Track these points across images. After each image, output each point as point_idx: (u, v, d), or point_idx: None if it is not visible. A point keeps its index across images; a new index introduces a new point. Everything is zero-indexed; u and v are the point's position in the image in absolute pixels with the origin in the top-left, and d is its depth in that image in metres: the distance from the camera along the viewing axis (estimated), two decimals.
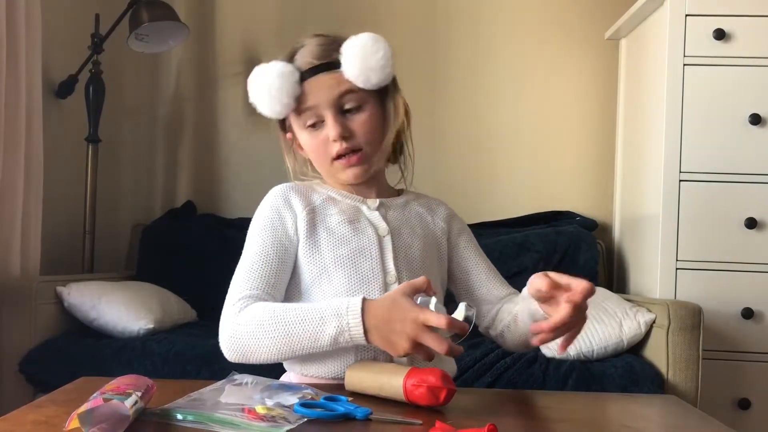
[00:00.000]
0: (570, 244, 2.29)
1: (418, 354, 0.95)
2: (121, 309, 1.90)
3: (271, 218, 1.14)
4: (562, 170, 2.57)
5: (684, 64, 1.98)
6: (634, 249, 2.28)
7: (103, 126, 2.44)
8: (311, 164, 1.22)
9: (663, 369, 1.70)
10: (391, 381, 0.94)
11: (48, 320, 1.91)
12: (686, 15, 1.98)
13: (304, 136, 1.16)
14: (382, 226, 1.16)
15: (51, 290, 1.93)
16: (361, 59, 1.10)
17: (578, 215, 2.49)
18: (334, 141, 1.12)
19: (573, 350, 1.72)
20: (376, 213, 1.18)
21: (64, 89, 2.34)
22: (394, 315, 0.95)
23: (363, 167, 1.15)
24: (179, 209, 2.60)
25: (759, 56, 1.96)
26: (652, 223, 2.07)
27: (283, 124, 1.21)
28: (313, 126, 1.14)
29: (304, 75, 1.12)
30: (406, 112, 1.21)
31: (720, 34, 1.96)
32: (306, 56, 1.13)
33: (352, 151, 1.13)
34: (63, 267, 2.32)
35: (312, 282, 1.12)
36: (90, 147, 2.41)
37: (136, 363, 1.77)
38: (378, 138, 1.16)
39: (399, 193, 1.26)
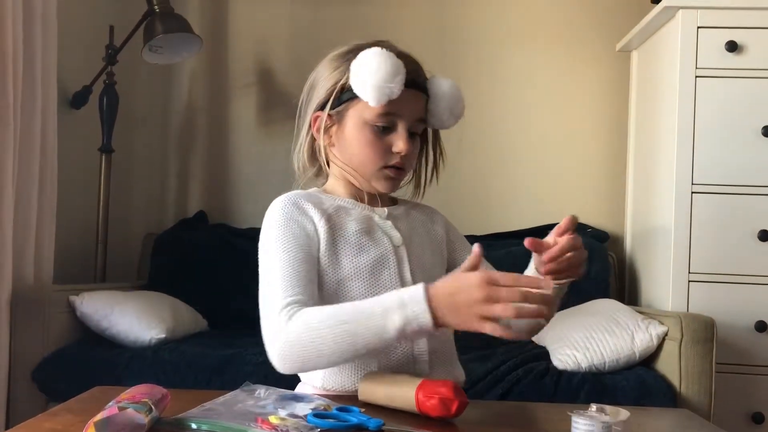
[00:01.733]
0: None
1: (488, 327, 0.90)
2: (133, 318, 1.91)
3: (289, 226, 1.09)
4: (573, 181, 2.57)
5: (696, 76, 1.98)
6: (646, 261, 2.27)
7: (116, 136, 2.46)
8: (325, 151, 1.19)
9: (675, 382, 1.69)
10: (403, 392, 0.94)
11: (61, 329, 1.92)
12: (698, 27, 1.98)
13: (363, 132, 1.13)
14: (396, 235, 1.17)
15: (64, 299, 1.94)
16: (449, 102, 1.16)
17: (590, 227, 2.48)
18: (398, 153, 1.13)
19: (585, 362, 1.71)
20: (389, 222, 1.18)
21: (78, 99, 2.37)
22: (459, 300, 0.92)
23: (398, 184, 1.19)
24: (191, 219, 2.61)
25: None
26: (664, 235, 2.06)
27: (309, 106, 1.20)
28: (381, 129, 1.13)
29: (407, 83, 1.10)
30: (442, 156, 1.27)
31: (732, 46, 1.96)
32: (407, 63, 1.12)
33: (401, 167, 1.16)
34: (76, 276, 2.34)
35: (332, 292, 1.10)
36: (103, 157, 2.44)
37: (147, 372, 1.77)
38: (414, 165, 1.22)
39: (393, 201, 1.26)
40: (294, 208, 1.11)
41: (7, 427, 1.79)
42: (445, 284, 0.95)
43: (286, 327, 0.98)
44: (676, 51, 2.01)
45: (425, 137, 1.24)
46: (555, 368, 1.73)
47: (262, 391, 0.97)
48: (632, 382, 1.67)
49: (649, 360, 1.77)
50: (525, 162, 2.58)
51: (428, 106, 1.16)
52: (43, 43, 2.03)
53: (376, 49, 1.10)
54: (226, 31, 2.68)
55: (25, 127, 1.96)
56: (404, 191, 1.27)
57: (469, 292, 0.91)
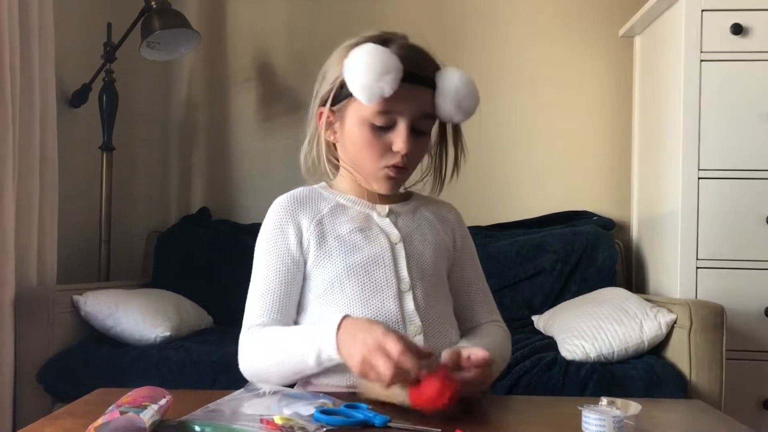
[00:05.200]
0: (588, 244, 2.27)
1: (370, 377, 0.91)
2: (137, 317, 1.90)
3: (275, 237, 1.13)
4: (578, 170, 2.55)
5: (701, 60, 1.96)
6: (653, 248, 2.25)
7: (116, 134, 2.45)
8: (334, 147, 1.18)
9: (685, 370, 1.67)
10: (397, 388, 0.92)
11: (65, 329, 1.90)
12: (702, 10, 1.95)
13: (362, 130, 1.09)
14: (394, 233, 1.15)
15: (68, 299, 1.93)
16: (458, 96, 1.10)
17: (595, 215, 2.46)
18: (398, 152, 1.09)
19: (593, 352, 1.69)
20: (387, 220, 1.16)
21: (77, 98, 2.35)
22: (363, 329, 0.94)
23: (399, 183, 1.16)
24: (194, 216, 2.60)
25: None
26: (671, 222, 2.04)
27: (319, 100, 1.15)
28: (380, 127, 1.09)
29: (405, 77, 1.05)
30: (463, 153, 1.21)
31: (737, 29, 1.93)
32: (407, 56, 1.07)
33: (402, 166, 1.11)
34: (79, 275, 2.33)
35: (324, 291, 1.11)
36: (104, 155, 2.42)
37: (152, 371, 1.76)
38: (419, 162, 1.17)
39: (406, 196, 1.23)
40: (286, 215, 1.14)
41: (14, 429, 1.79)
42: (362, 321, 0.96)
43: (245, 345, 1.08)
44: (680, 35, 1.98)
45: (444, 131, 1.19)
46: (563, 359, 1.71)
47: (267, 390, 0.96)
48: (641, 372, 1.65)
49: (658, 348, 1.75)
50: (528, 151, 2.56)
51: (435, 100, 1.10)
52: (41, 41, 2.01)
53: (367, 47, 1.05)
54: (224, 25, 2.66)
55: (24, 128, 1.94)
56: (420, 186, 1.25)
57: (365, 338, 0.92)
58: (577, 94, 2.56)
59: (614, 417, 0.81)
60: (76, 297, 1.94)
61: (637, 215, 2.44)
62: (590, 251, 2.26)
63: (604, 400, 0.85)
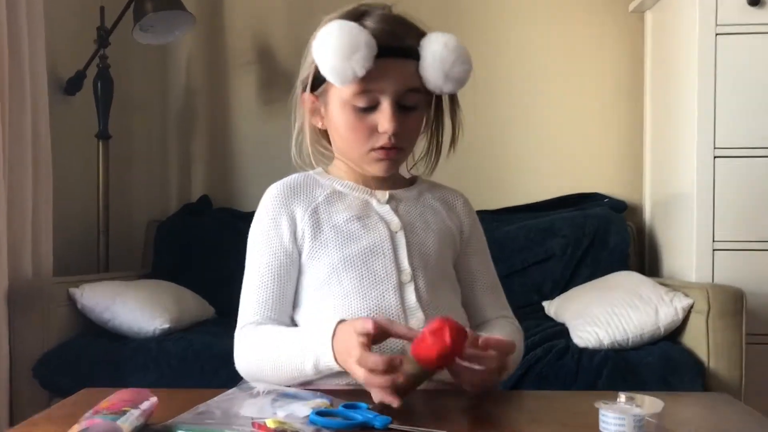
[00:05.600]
0: (599, 227, 2.21)
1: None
2: (135, 309, 1.85)
3: (267, 230, 1.07)
4: (588, 150, 2.47)
5: (716, 34, 1.88)
6: (667, 230, 2.18)
7: (113, 121, 2.39)
8: (325, 135, 1.12)
9: (703, 357, 1.61)
10: (405, 363, 0.87)
11: (62, 322, 1.86)
12: None
13: (344, 113, 1.03)
14: (395, 221, 1.08)
15: (64, 292, 1.88)
16: (443, 64, 1.01)
17: (607, 196, 2.40)
18: (384, 133, 1.02)
19: (607, 339, 1.64)
20: (387, 207, 1.09)
21: (72, 85, 2.30)
22: (344, 339, 0.90)
23: (395, 164, 1.09)
24: (194, 204, 2.55)
25: None
26: (685, 203, 1.97)
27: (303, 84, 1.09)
28: (363, 108, 1.02)
29: (381, 52, 0.98)
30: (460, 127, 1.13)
31: (754, 0, 1.85)
32: (383, 29, 1.00)
33: (393, 147, 1.04)
34: (78, 266, 2.29)
35: (321, 284, 1.05)
36: (101, 143, 2.37)
37: (152, 364, 1.71)
38: (416, 140, 1.10)
39: (411, 182, 1.16)
40: (278, 205, 1.08)
41: (11, 425, 1.75)
42: (347, 328, 0.90)
43: (240, 344, 1.04)
44: (694, 7, 1.91)
45: (440, 104, 1.12)
46: (576, 346, 1.66)
47: (261, 389, 0.90)
48: (657, 359, 1.59)
49: (674, 334, 1.69)
50: (537, 131, 2.49)
51: (421, 71, 1.02)
52: (30, 27, 1.95)
53: (333, 25, 0.99)
54: (220, 6, 2.59)
55: (15, 117, 1.89)
56: (417, 167, 1.17)
57: (349, 340, 0.88)
58: (586, 71, 2.48)
59: (635, 415, 0.75)
60: (72, 290, 1.89)
61: (650, 196, 2.37)
62: (602, 234, 2.20)
63: (622, 396, 0.79)
